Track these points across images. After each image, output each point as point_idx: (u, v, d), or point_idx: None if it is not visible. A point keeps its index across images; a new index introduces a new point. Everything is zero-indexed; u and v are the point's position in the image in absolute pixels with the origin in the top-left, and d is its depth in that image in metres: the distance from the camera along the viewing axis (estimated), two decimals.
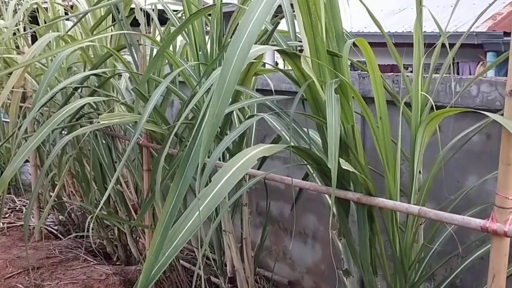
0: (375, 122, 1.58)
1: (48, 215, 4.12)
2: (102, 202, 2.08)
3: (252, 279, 2.53)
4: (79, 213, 4.07)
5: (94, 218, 3.17)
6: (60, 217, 4.23)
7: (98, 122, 2.44)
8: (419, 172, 1.74)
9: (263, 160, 2.33)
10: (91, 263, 3.42)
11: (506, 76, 1.24)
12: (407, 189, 1.72)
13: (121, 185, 3.17)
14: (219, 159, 2.20)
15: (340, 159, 1.39)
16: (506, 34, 8.81)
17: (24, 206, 4.75)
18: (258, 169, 2.25)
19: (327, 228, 2.79)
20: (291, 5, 1.79)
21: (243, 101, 2.20)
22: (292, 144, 1.62)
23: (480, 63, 9.32)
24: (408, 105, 1.75)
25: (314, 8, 1.50)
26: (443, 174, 1.67)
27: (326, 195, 1.89)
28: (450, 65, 1.75)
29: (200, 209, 1.32)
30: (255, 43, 1.30)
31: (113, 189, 3.20)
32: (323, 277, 2.88)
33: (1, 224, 4.13)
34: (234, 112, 2.32)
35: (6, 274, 3.28)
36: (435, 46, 1.77)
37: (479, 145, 2.04)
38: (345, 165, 1.45)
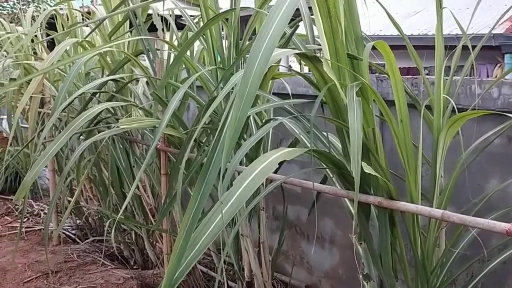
0: (396, 125, 1.56)
1: (66, 219, 4.15)
2: (123, 207, 2.09)
3: (269, 284, 2.52)
4: (96, 217, 4.10)
5: (112, 222, 3.18)
6: (78, 221, 4.26)
7: (117, 127, 2.46)
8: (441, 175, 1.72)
9: (280, 164, 2.32)
10: (109, 267, 3.44)
11: None
12: (428, 192, 1.70)
13: (138, 189, 3.19)
14: None
15: (362, 162, 1.38)
16: None
17: (42, 210, 4.79)
18: (275, 173, 2.25)
19: (345, 232, 2.79)
20: (309, 8, 1.79)
21: (260, 105, 2.19)
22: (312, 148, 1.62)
23: (498, 65, 9.21)
24: (427, 108, 1.74)
25: (334, 11, 1.50)
26: (466, 178, 1.65)
27: (346, 199, 1.88)
28: (471, 67, 1.74)
29: (223, 212, 1.32)
30: None
31: None
32: (341, 282, 2.86)
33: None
34: (251, 116, 2.31)
35: (25, 278, 3.32)
36: (456, 49, 1.76)
37: (500, 147, 2.02)
38: (367, 169, 1.44)
